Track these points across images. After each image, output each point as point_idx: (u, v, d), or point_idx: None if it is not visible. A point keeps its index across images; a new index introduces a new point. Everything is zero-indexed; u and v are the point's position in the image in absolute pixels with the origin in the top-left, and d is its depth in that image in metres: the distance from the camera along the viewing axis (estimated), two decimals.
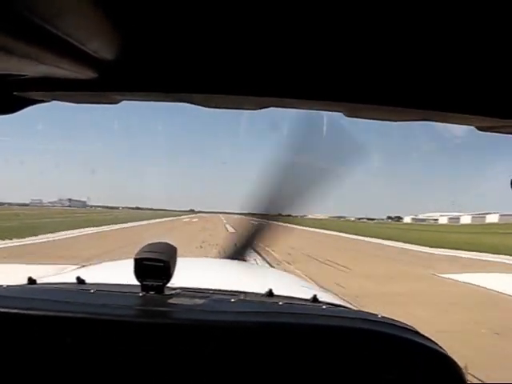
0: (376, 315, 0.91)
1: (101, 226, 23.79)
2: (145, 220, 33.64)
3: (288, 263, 11.56)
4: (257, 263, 7.60)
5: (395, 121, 0.82)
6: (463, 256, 15.99)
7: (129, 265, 0.92)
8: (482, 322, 6.23)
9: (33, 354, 0.79)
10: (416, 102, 0.73)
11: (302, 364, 0.79)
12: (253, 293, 1.09)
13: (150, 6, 0.60)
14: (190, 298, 0.93)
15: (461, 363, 0.83)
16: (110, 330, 0.79)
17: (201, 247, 14.05)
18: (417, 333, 0.86)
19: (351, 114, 0.80)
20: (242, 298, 1.01)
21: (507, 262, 13.96)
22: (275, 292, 1.07)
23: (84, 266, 1.61)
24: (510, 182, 0.80)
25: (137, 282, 0.91)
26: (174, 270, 0.92)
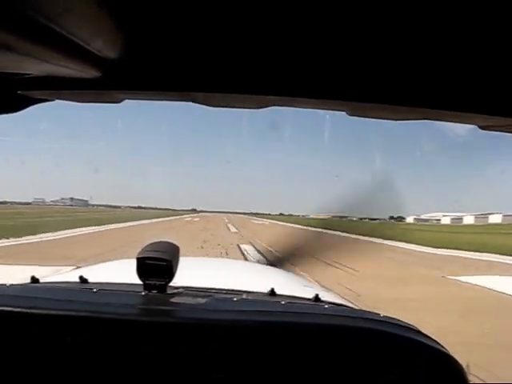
0: (378, 314, 0.91)
1: (101, 225, 23.65)
2: (146, 219, 33.54)
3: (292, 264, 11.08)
4: None
5: (398, 120, 0.82)
6: (468, 257, 15.70)
7: (131, 264, 0.92)
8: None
9: (36, 353, 0.79)
10: (419, 100, 0.73)
11: (304, 363, 0.79)
12: (255, 292, 1.09)
13: (153, 5, 0.61)
14: (193, 297, 0.93)
15: (463, 363, 0.83)
16: (113, 328, 0.80)
17: (202, 247, 13.95)
18: (419, 332, 0.86)
19: (354, 113, 0.80)
20: (244, 297, 1.02)
21: None
22: (277, 291, 1.07)
23: (79, 268, 1.61)
24: None
25: (139, 281, 0.92)
26: (176, 269, 0.93)
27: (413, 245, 19.98)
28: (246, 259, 11.78)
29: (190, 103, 0.80)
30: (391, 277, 10.19)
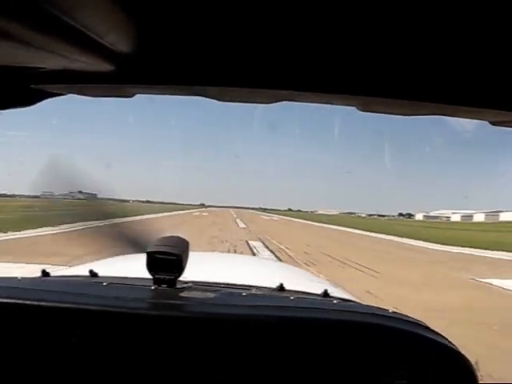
0: (387, 310, 0.91)
1: (107, 219, 23.49)
2: (154, 213, 33.62)
3: (306, 265, 10.42)
4: None
5: (408, 115, 0.82)
6: (489, 256, 15.00)
7: (141, 258, 0.93)
8: None
9: (46, 345, 0.80)
10: (429, 95, 0.72)
11: (312, 358, 0.80)
12: (264, 287, 1.10)
13: (166, 0, 0.61)
14: (202, 292, 0.94)
15: (472, 359, 0.83)
16: (123, 322, 0.80)
17: (209, 243, 13.62)
18: (427, 328, 0.86)
19: (365, 108, 0.80)
20: (253, 292, 1.02)
21: None
22: (286, 286, 1.07)
23: (89, 262, 1.61)
24: None
25: (149, 276, 0.92)
26: (186, 264, 0.93)
27: (428, 243, 19.42)
28: None
29: (200, 97, 0.80)
30: (416, 280, 9.46)
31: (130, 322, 0.80)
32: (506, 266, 12.74)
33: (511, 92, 0.71)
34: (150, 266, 0.91)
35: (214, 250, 11.12)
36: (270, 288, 1.09)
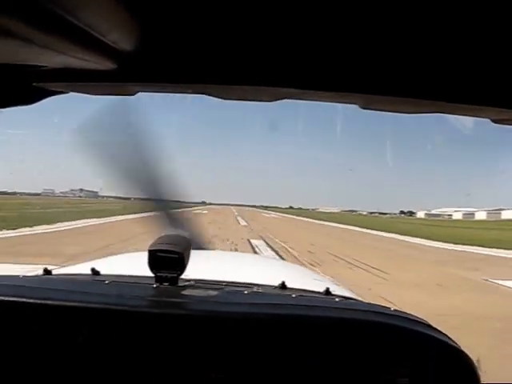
0: (389, 308, 0.91)
1: (106, 216, 23.28)
2: (154, 211, 33.39)
3: (311, 265, 9.83)
4: None
5: (410, 113, 0.82)
6: (493, 254, 14.52)
7: (143, 256, 0.93)
8: None
9: (49, 344, 0.80)
10: (431, 93, 0.72)
11: (314, 356, 0.80)
12: (266, 285, 1.10)
13: None
14: (204, 290, 0.94)
15: (473, 357, 0.83)
16: (125, 320, 0.80)
17: (209, 242, 13.09)
18: (429, 326, 0.86)
19: (366, 105, 0.80)
20: (255, 290, 1.02)
21: None
22: (288, 284, 1.07)
23: (91, 260, 1.61)
24: None
25: (151, 274, 0.92)
26: (188, 262, 0.93)
27: (431, 241, 19.02)
28: None
29: (201, 95, 0.80)
30: (428, 281, 8.96)
31: (132, 320, 0.81)
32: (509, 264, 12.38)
33: None
34: (152, 264, 0.91)
35: (214, 249, 10.94)
36: (271, 286, 1.09)
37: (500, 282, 9.10)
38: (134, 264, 1.30)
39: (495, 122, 0.79)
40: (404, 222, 41.67)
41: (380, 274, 9.58)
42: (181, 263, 0.91)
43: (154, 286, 0.92)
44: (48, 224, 16.40)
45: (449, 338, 0.84)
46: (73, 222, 18.34)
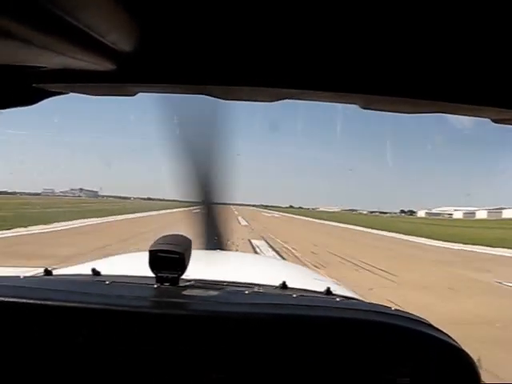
0: (389, 308, 0.91)
1: (106, 216, 23.16)
2: (154, 210, 33.28)
3: (316, 267, 9.20)
4: None
5: (410, 113, 0.82)
6: (499, 254, 14.22)
7: (144, 257, 0.93)
8: None
9: (49, 344, 0.80)
10: (431, 93, 0.72)
11: (316, 356, 0.80)
12: (266, 285, 1.10)
13: None
14: (205, 290, 0.94)
15: (474, 357, 0.83)
16: (126, 320, 0.80)
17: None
18: (430, 326, 0.86)
19: (366, 105, 0.80)
20: (255, 290, 1.02)
21: None
22: (289, 284, 1.07)
23: (91, 260, 1.61)
24: None
25: (152, 274, 0.92)
26: (188, 262, 0.93)
27: (434, 240, 18.70)
28: None
29: (202, 96, 0.80)
30: (438, 284, 8.41)
31: (133, 321, 0.81)
32: None
33: None
34: (153, 265, 0.91)
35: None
36: (272, 286, 1.09)
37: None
38: (135, 264, 1.30)
39: (495, 121, 0.79)
40: (405, 221, 41.55)
41: (388, 276, 9.11)
42: (181, 263, 0.91)
43: (155, 286, 0.92)
44: (45, 224, 16.28)
45: (450, 337, 0.84)
46: (70, 222, 18.19)
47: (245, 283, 1.09)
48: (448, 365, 0.81)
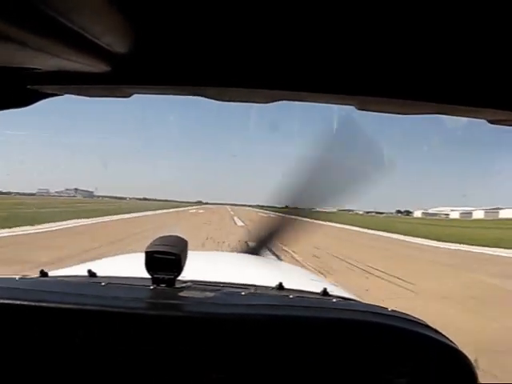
0: (386, 309, 0.91)
1: (101, 216, 22.76)
2: (149, 211, 32.93)
3: (321, 273, 8.45)
4: None
5: (406, 114, 0.82)
6: (503, 255, 13.69)
7: (140, 258, 0.93)
8: None
9: (44, 346, 0.80)
10: (427, 95, 0.73)
11: (312, 357, 0.80)
12: (263, 286, 1.09)
13: (163, 0, 0.60)
14: (201, 291, 0.93)
15: (471, 357, 0.83)
16: (122, 322, 0.80)
17: (203, 245, 12.10)
18: (428, 326, 0.86)
19: (363, 107, 0.80)
20: (252, 291, 1.02)
21: None
22: (285, 285, 1.07)
23: (87, 262, 1.59)
24: None
25: (148, 275, 0.92)
26: (184, 263, 0.93)
27: (433, 241, 18.24)
28: None
29: (198, 97, 0.80)
30: (458, 294, 7.44)
31: (129, 322, 0.80)
32: None
33: (509, 90, 0.72)
34: (149, 266, 0.91)
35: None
36: (269, 287, 1.09)
37: None
38: (131, 265, 1.30)
39: (492, 122, 0.80)
40: (401, 222, 41.49)
41: (402, 283, 8.18)
42: (178, 264, 0.91)
43: (151, 287, 0.92)
44: (39, 224, 15.95)
45: (447, 338, 0.84)
46: (64, 222, 17.83)
47: (241, 284, 1.09)
48: (445, 365, 0.81)
